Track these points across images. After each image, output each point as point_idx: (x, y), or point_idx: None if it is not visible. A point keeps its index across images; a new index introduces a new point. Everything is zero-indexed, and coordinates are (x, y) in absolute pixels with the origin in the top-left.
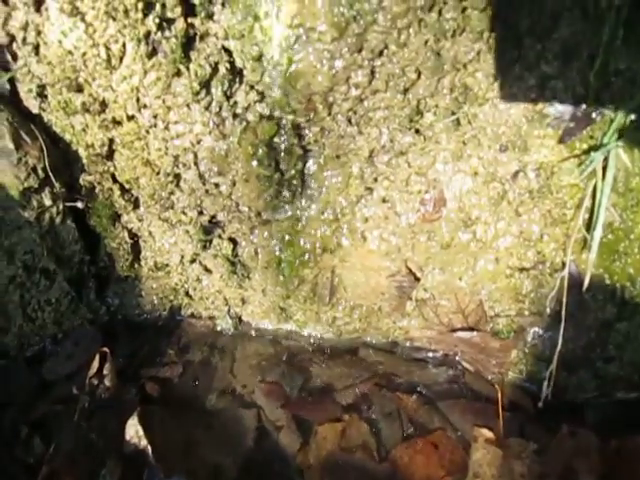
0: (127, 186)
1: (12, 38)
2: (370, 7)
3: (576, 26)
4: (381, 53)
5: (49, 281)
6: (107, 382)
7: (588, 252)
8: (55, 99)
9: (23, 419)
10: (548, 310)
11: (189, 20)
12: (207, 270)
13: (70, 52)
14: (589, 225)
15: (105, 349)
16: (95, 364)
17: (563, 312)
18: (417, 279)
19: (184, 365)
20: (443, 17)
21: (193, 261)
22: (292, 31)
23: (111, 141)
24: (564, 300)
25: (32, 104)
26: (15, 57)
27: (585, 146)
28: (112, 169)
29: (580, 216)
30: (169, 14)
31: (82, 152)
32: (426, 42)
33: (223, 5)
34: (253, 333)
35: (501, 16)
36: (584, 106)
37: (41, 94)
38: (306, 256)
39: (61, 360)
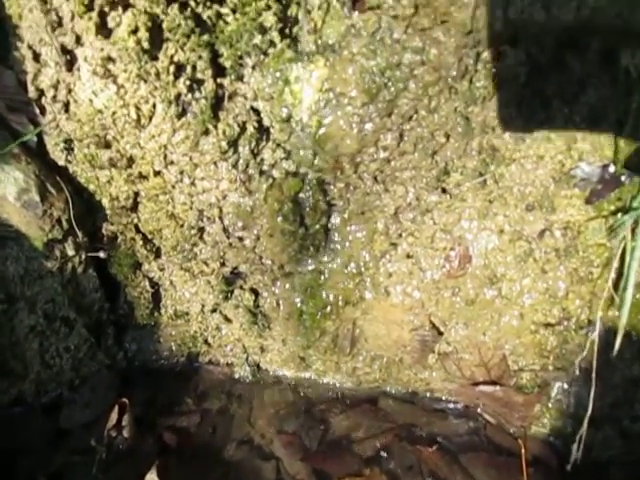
0: (150, 236)
1: (41, 92)
2: (401, 75)
3: (604, 91)
4: (411, 118)
5: (68, 329)
6: (125, 433)
7: (617, 311)
8: (82, 152)
9: (40, 469)
10: (574, 366)
11: (218, 80)
12: (227, 319)
13: (100, 111)
14: (616, 284)
15: (124, 400)
16: (114, 415)
17: (593, 374)
18: (440, 333)
19: (202, 414)
20: (474, 85)
21: (214, 311)
22: (322, 95)
23: (136, 194)
24: (594, 363)
25: (58, 156)
26: (43, 111)
27: (613, 208)
28: (135, 220)
29: (609, 277)
30: (199, 75)
31: (106, 202)
32: (456, 108)
33: (253, 68)
34: (271, 381)
35: (530, 82)
36: (612, 169)
37: (68, 147)
38: (328, 308)
39: (78, 408)
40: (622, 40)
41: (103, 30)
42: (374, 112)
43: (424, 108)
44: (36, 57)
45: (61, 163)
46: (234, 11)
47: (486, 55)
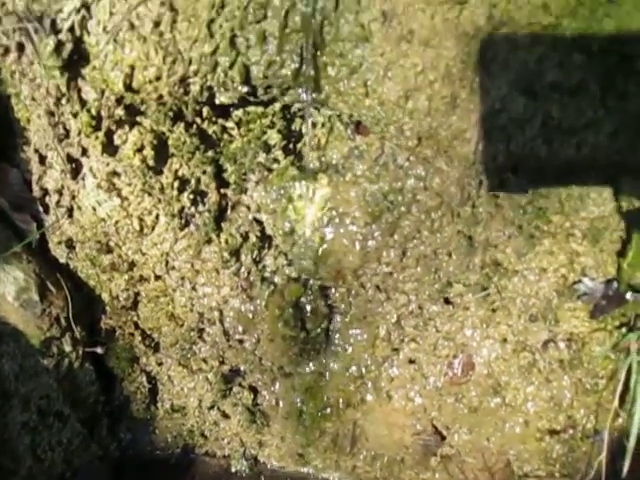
0: (149, 332)
1: (45, 192)
2: (404, 199)
3: (605, 207)
4: (414, 237)
5: (62, 423)
6: None
7: (624, 422)
8: (83, 252)
9: None
10: (581, 474)
11: (222, 191)
12: (225, 416)
13: (103, 219)
14: (622, 397)
15: None
16: None
17: None
18: (443, 438)
19: None
20: (476, 209)
21: (212, 407)
22: (325, 213)
23: (136, 294)
24: (603, 473)
25: (60, 254)
26: (47, 209)
27: (617, 323)
28: (135, 318)
29: (615, 390)
30: (203, 188)
31: (106, 297)
32: (459, 230)
33: (257, 183)
34: (269, 474)
35: (532, 202)
36: (615, 285)
37: (70, 246)
38: (328, 410)
39: None
40: (622, 171)
41: (109, 148)
42: (377, 231)
43: (427, 229)
44: (42, 160)
45: (62, 260)
46: (239, 125)
47: (489, 183)
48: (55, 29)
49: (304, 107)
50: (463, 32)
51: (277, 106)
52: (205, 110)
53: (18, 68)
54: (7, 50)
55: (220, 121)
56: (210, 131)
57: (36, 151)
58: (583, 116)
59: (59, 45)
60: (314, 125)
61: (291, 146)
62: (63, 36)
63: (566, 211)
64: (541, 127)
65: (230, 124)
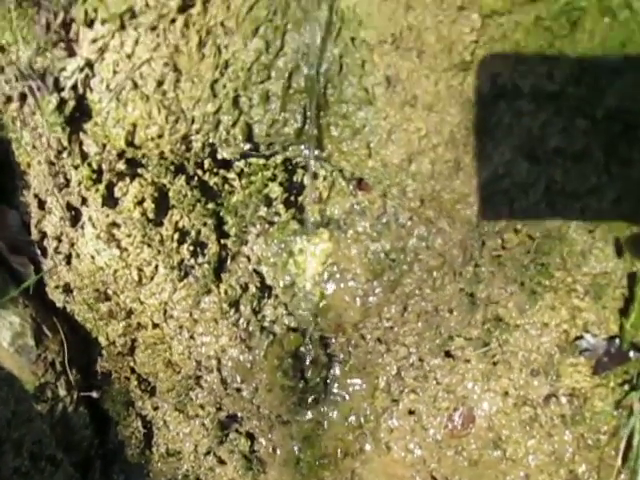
0: (145, 377)
1: (44, 235)
2: (406, 258)
3: (608, 263)
4: (415, 294)
5: (54, 467)
6: None
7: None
8: (80, 297)
9: None
10: None
11: (222, 241)
12: (221, 462)
13: (101, 268)
14: (625, 454)
15: None
16: None
17: None
18: None
19: None
20: (479, 269)
21: (207, 453)
22: (326, 268)
23: (133, 340)
24: None
25: (57, 298)
26: (45, 252)
27: (620, 380)
28: (131, 363)
29: (618, 447)
30: (203, 239)
31: (102, 340)
32: (461, 289)
33: (258, 236)
34: None
35: (534, 260)
36: (618, 343)
37: (67, 290)
38: (326, 459)
39: None
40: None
41: (109, 201)
42: (378, 288)
43: (428, 287)
44: (41, 205)
45: (59, 305)
46: (240, 176)
47: (491, 243)
48: (58, 87)
49: (306, 161)
50: (467, 98)
51: (279, 158)
52: (207, 162)
53: (20, 116)
54: (9, 99)
55: (221, 172)
56: (211, 182)
57: (35, 196)
58: (587, 182)
59: (61, 103)
60: (315, 177)
61: (292, 198)
62: (66, 94)
63: (568, 267)
64: (545, 191)
65: (232, 175)
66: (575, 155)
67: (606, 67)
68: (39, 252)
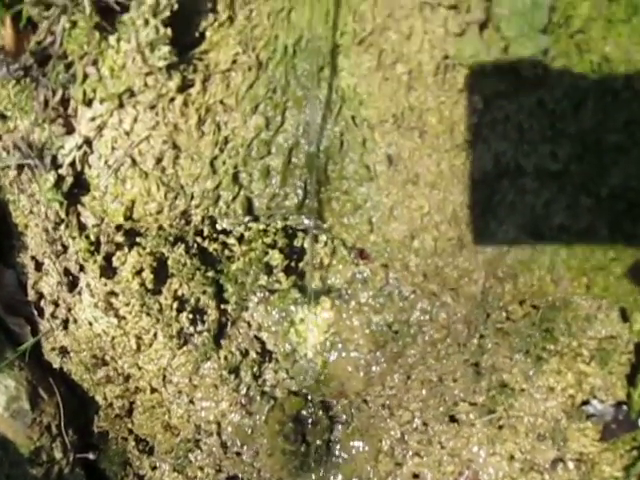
0: (143, 437)
1: (40, 295)
2: (409, 331)
3: (613, 328)
4: (419, 364)
5: None
6: None
7: None
8: (77, 358)
9: None
10: None
11: (222, 307)
12: None
13: (99, 335)
14: None
15: None
16: None
17: None
18: None
19: None
20: (483, 341)
21: None
22: (328, 337)
23: (131, 403)
24: None
25: (54, 360)
26: (41, 313)
27: (628, 447)
28: (129, 425)
29: None
30: (202, 307)
31: (99, 400)
32: (465, 360)
33: (258, 303)
34: None
35: (539, 323)
36: (626, 409)
37: (63, 353)
38: None
39: None
40: None
41: (107, 271)
42: (381, 358)
43: (432, 358)
44: (38, 267)
45: (56, 366)
46: (240, 241)
47: (495, 316)
48: (55, 164)
49: (308, 229)
50: (470, 177)
51: (279, 224)
52: (206, 229)
53: (17, 184)
54: (7, 166)
55: (221, 237)
56: (211, 249)
57: (33, 258)
58: (592, 258)
59: (59, 179)
60: (317, 240)
61: (293, 264)
62: (64, 171)
63: (573, 331)
64: (549, 267)
65: (231, 240)
66: (580, 232)
67: (609, 146)
68: (36, 312)
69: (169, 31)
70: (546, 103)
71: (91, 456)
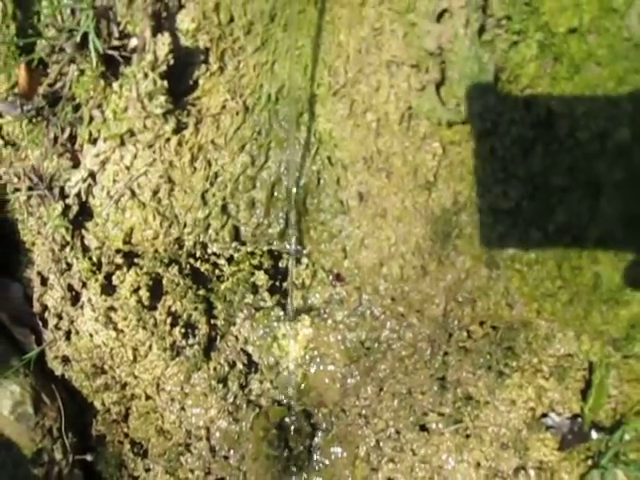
0: (137, 440)
1: (45, 307)
2: (380, 347)
3: (570, 346)
4: (389, 378)
5: None
6: None
7: None
8: (78, 366)
9: None
10: None
11: (212, 322)
12: None
13: (99, 346)
14: None
15: None
16: None
17: None
18: None
19: None
20: (447, 358)
21: None
22: (308, 352)
23: (127, 408)
24: None
25: (56, 367)
26: (45, 323)
27: (583, 457)
28: (125, 429)
29: None
30: (194, 322)
31: (98, 406)
32: (431, 375)
33: (245, 319)
34: None
35: (499, 344)
36: (580, 422)
37: (65, 361)
38: None
39: None
40: None
41: (107, 289)
42: (355, 371)
43: (401, 372)
44: (43, 281)
45: (57, 373)
46: (229, 261)
47: (457, 336)
48: (63, 195)
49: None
50: (431, 213)
51: (265, 247)
52: (198, 252)
53: (27, 206)
54: (17, 189)
55: (212, 259)
56: (202, 269)
57: (39, 273)
58: (542, 286)
59: (66, 208)
60: (299, 262)
61: (277, 284)
62: (70, 200)
63: (534, 348)
64: (504, 293)
65: (221, 261)
66: (530, 262)
67: (555, 187)
68: (40, 324)
69: (165, 83)
70: (497, 150)
71: (89, 458)
